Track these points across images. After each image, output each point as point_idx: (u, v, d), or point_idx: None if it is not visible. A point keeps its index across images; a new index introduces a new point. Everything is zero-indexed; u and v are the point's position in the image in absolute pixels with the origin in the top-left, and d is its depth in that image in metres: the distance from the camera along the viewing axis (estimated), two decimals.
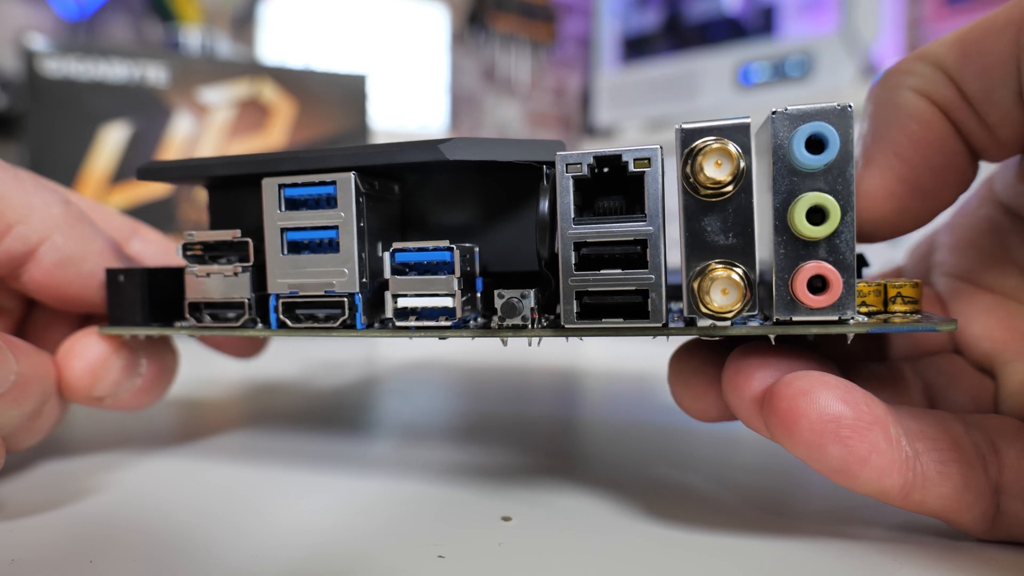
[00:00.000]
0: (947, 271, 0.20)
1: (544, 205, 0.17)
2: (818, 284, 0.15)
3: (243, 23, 1.49)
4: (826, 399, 0.14)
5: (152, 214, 0.56)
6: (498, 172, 0.19)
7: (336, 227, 0.18)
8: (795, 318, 0.15)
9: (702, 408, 0.18)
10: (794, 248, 0.15)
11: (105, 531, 0.17)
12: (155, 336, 0.22)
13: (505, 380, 0.38)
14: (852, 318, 0.15)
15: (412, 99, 1.62)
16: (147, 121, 0.56)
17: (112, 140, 0.55)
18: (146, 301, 0.20)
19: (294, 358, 0.45)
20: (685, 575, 0.15)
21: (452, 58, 1.78)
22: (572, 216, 0.16)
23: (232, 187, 0.21)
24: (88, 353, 0.20)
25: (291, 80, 0.60)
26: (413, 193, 0.21)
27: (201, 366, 0.40)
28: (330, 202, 0.18)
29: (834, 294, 0.15)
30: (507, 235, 0.20)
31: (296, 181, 0.18)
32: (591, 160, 0.16)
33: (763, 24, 1.47)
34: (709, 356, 0.18)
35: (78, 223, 0.20)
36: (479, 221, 0.20)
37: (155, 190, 0.57)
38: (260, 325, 0.19)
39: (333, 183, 0.18)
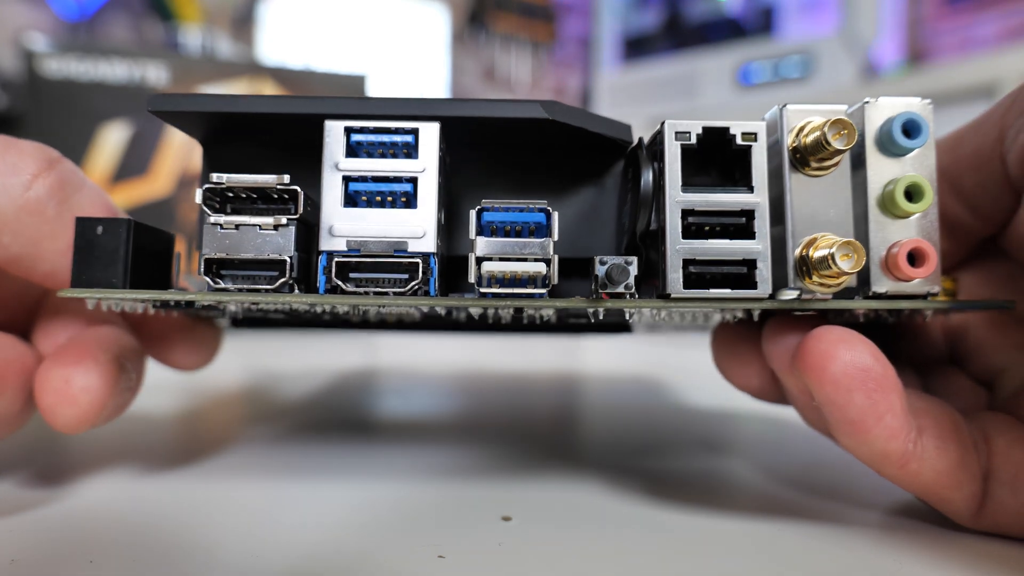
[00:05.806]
0: None
1: (648, 175, 0.17)
2: (913, 258, 0.16)
3: (243, 23, 1.49)
4: (861, 350, 0.15)
5: (152, 214, 0.56)
6: (545, 152, 0.19)
7: (414, 179, 0.16)
8: (890, 291, 0.16)
9: (746, 375, 0.19)
10: (887, 225, 0.16)
11: (105, 532, 0.17)
12: (139, 310, 0.18)
13: (503, 380, 0.38)
14: (938, 293, 0.16)
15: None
16: (147, 121, 0.56)
17: (112, 140, 0.55)
18: (128, 261, 0.16)
19: (284, 358, 0.45)
20: (685, 574, 0.15)
21: (452, 58, 1.78)
22: (680, 183, 0.16)
23: (240, 142, 0.19)
24: (89, 387, 0.17)
25: (291, 80, 0.60)
26: (452, 171, 0.19)
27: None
28: (408, 152, 0.16)
29: (931, 266, 0.16)
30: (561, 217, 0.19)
31: (367, 126, 0.16)
32: (699, 130, 0.16)
33: (763, 24, 1.47)
34: (750, 329, 0.19)
35: (35, 217, 0.17)
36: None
37: (155, 190, 0.57)
38: (298, 290, 0.16)
39: (413, 132, 0.16)
